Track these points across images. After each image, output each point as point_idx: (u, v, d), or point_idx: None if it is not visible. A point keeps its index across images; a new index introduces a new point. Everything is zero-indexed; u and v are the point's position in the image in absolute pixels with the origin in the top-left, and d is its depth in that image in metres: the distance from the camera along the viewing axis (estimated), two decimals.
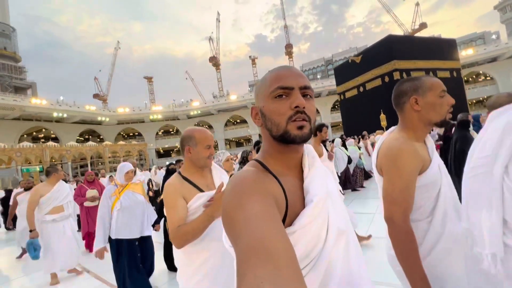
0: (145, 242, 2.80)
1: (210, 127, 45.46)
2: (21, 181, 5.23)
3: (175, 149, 48.48)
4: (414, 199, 1.00)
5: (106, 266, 3.95)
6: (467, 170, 1.00)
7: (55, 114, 33.18)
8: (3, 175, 22.60)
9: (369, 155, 8.30)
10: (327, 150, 3.48)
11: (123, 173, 2.75)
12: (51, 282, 3.53)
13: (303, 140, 0.63)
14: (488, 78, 37.40)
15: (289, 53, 55.55)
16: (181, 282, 1.38)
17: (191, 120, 45.50)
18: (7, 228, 7.95)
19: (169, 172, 4.82)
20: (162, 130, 47.38)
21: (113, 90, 53.64)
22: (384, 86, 15.56)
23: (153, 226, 3.02)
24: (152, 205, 3.38)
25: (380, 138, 1.19)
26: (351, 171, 6.95)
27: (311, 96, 0.66)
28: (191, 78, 56.44)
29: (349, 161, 6.74)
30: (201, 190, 1.39)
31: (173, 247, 1.34)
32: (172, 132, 48.20)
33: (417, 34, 45.53)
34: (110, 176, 6.15)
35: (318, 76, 63.38)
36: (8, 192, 7.86)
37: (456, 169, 3.56)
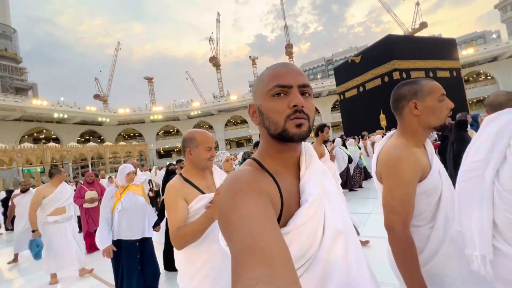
0: (146, 244, 2.81)
1: (210, 127, 45.49)
2: (21, 182, 5.19)
3: (175, 150, 48.52)
4: (414, 208, 0.99)
5: (105, 266, 4.00)
6: (460, 173, 1.00)
7: (55, 115, 33.27)
8: (4, 176, 22.67)
9: (368, 155, 8.32)
10: (328, 151, 3.51)
11: (124, 175, 2.76)
12: (50, 281, 3.57)
13: (302, 138, 0.62)
14: (488, 77, 37.33)
15: (289, 53, 55.55)
16: (182, 284, 1.39)
17: (191, 121, 45.55)
18: (7, 229, 7.98)
19: (169, 173, 4.84)
20: (163, 131, 47.44)
21: (113, 91, 53.80)
22: (384, 86, 15.56)
23: (154, 227, 3.04)
24: (152, 206, 3.40)
25: (380, 143, 1.19)
26: (352, 171, 6.96)
27: (309, 94, 0.65)
28: (191, 78, 56.50)
29: (350, 160, 6.73)
30: (202, 192, 1.40)
31: (174, 249, 1.35)
32: (172, 133, 48.25)
33: (418, 34, 45.48)
34: (109, 177, 6.17)
35: (318, 76, 63.36)
36: (9, 193, 7.90)
37: (452, 170, 3.58)
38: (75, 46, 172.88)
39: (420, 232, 1.03)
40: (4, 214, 8.01)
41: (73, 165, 30.76)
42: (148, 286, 2.73)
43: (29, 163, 25.99)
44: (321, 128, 3.31)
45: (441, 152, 4.68)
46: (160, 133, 47.12)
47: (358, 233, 3.20)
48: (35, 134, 36.24)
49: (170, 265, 3.44)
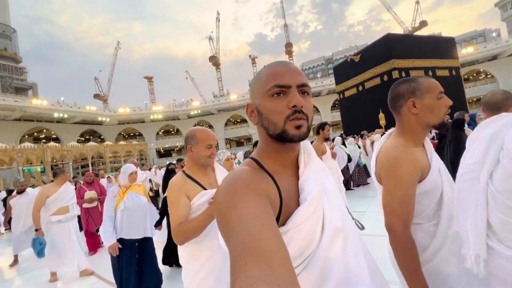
0: (146, 244, 2.84)
1: (210, 126, 45.48)
2: (18, 183, 5.17)
3: (175, 149, 48.56)
4: (414, 208, 0.99)
5: (104, 265, 4.04)
6: (458, 175, 1.02)
7: (56, 115, 33.28)
8: (5, 175, 22.71)
9: (367, 154, 8.35)
10: (329, 149, 3.54)
11: (127, 174, 2.79)
12: (50, 279, 3.62)
13: (301, 139, 0.62)
14: (488, 76, 37.29)
15: (289, 52, 55.48)
16: (187, 279, 1.42)
17: (191, 120, 45.54)
18: (6, 229, 7.99)
19: (169, 172, 4.87)
20: (163, 130, 47.45)
21: (113, 90, 53.78)
22: (383, 85, 15.54)
23: (156, 226, 3.06)
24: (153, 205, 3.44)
25: (379, 142, 1.18)
26: (351, 170, 6.97)
27: (308, 93, 0.64)
28: (191, 77, 56.45)
29: (349, 159, 6.74)
30: (204, 188, 1.43)
31: (178, 245, 1.37)
32: (172, 132, 48.26)
33: (418, 32, 45.43)
34: (108, 177, 6.19)
35: (318, 75, 63.26)
36: (10, 193, 7.93)
37: (450, 169, 3.61)
38: (75, 46, 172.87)
39: (424, 229, 1.03)
40: (5, 213, 8.05)
41: (73, 165, 30.80)
42: None
43: (30, 163, 26.03)
44: (322, 126, 3.34)
45: (439, 151, 4.71)
46: (160, 133, 47.13)
47: (363, 227, 3.19)
48: (35, 133, 36.27)
49: (168, 260, 3.48)
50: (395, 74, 14.91)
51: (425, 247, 1.01)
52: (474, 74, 39.18)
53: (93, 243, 4.74)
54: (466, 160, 0.98)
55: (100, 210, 4.83)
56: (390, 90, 1.14)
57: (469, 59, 35.14)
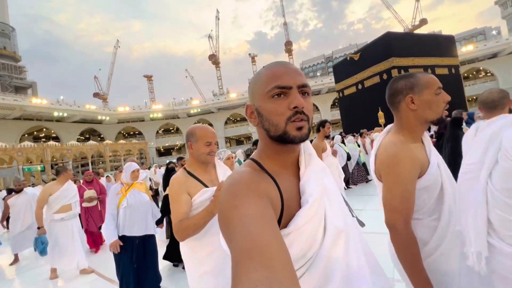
0: (149, 241, 2.87)
1: (210, 125, 45.19)
2: (16, 183, 5.13)
3: (175, 148, 48.57)
4: (414, 204, 1.00)
5: (105, 263, 4.07)
6: (459, 175, 1.03)
7: (55, 114, 33.25)
8: (5, 174, 22.74)
9: (367, 153, 8.36)
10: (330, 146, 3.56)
11: (129, 172, 2.84)
12: (51, 276, 3.66)
13: (302, 140, 0.62)
14: (488, 74, 37.26)
15: (288, 50, 55.37)
16: (189, 275, 1.46)
17: (191, 119, 45.51)
18: (4, 226, 8.02)
19: (169, 171, 4.90)
20: (163, 129, 47.44)
21: (113, 89, 53.70)
22: (383, 83, 15.52)
23: (157, 224, 3.09)
24: None
25: (377, 139, 1.18)
26: (351, 168, 6.98)
27: (308, 94, 0.64)
28: (190, 76, 56.35)
29: (348, 158, 6.74)
30: (205, 185, 1.44)
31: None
32: (172, 131, 48.25)
33: (418, 30, 45.30)
34: (107, 176, 6.20)
35: (318, 74, 63.19)
36: (10, 192, 7.94)
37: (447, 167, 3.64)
38: (74, 45, 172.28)
39: (424, 224, 1.03)
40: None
41: (73, 164, 30.82)
42: None
43: (30, 162, 26.06)
44: (323, 123, 3.36)
45: (437, 149, 4.73)
46: (160, 131, 47.11)
47: (363, 224, 3.21)
48: (35, 132, 36.27)
49: (170, 256, 3.52)
50: (395, 73, 14.89)
51: (425, 242, 1.01)
52: (474, 72, 39.15)
53: (94, 241, 4.77)
54: (466, 160, 0.99)
55: (100, 209, 4.86)
56: (388, 86, 1.13)
57: (469, 57, 35.11)
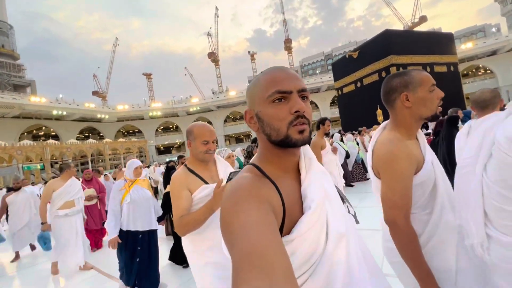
0: (151, 236, 2.93)
1: (209, 123, 44.92)
2: (18, 180, 5.18)
3: (175, 146, 48.60)
4: (412, 200, 1.02)
5: (105, 260, 4.13)
6: (456, 170, 1.06)
7: (54, 112, 33.23)
8: (5, 173, 22.78)
9: (366, 151, 8.37)
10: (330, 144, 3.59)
11: (133, 169, 2.89)
12: (52, 270, 3.71)
13: (304, 144, 0.62)
14: (487, 71, 37.24)
15: (288, 48, 55.25)
16: (193, 269, 1.50)
17: (190, 117, 45.50)
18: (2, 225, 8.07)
19: (169, 169, 4.94)
20: (162, 127, 47.46)
21: (112, 87, 53.65)
22: (381, 81, 15.07)
23: (158, 221, 3.14)
24: None
25: (373, 136, 1.20)
26: (350, 167, 6.99)
27: (307, 98, 0.65)
28: (190, 74, 56.24)
29: (347, 155, 6.74)
30: (205, 182, 1.47)
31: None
32: (171, 129, 48.25)
33: (417, 28, 45.20)
34: (105, 175, 6.22)
35: (318, 71, 63.08)
36: (10, 190, 7.96)
37: (443, 165, 3.68)
38: (73, 42, 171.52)
39: (417, 218, 1.06)
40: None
41: (73, 162, 30.83)
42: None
43: (29, 160, 26.08)
44: (323, 121, 3.39)
45: (433, 147, 4.77)
46: (160, 130, 47.14)
47: (357, 222, 3.26)
48: (34, 131, 36.26)
49: (175, 258, 3.55)
50: (393, 70, 14.85)
51: (418, 234, 1.04)
52: (473, 70, 39.13)
53: (94, 240, 4.81)
54: (463, 155, 1.02)
55: (99, 207, 4.90)
56: (383, 84, 1.15)
57: (468, 55, 35.09)
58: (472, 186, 0.92)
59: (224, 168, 1.61)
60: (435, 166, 1.07)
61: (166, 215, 3.55)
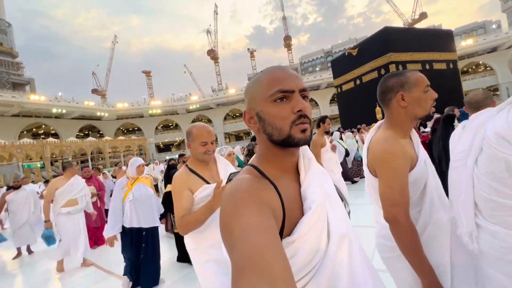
0: (152, 233, 2.99)
1: (209, 121, 45.44)
2: (18, 178, 5.22)
3: (175, 144, 48.63)
4: (409, 196, 1.05)
5: (105, 257, 4.18)
6: (450, 163, 1.10)
7: (54, 110, 33.18)
8: (5, 171, 22.82)
9: None
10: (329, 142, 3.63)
11: (135, 167, 2.94)
12: (57, 268, 3.75)
13: (306, 143, 0.62)
14: (487, 68, 37.16)
15: (287, 45, 55.04)
16: (194, 263, 1.54)
17: (190, 115, 45.47)
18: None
19: (170, 167, 4.99)
20: (162, 125, 47.41)
21: (111, 85, 53.45)
22: (380, 79, 15.39)
23: (160, 219, 3.19)
24: None
25: (368, 135, 1.23)
26: (350, 164, 7.04)
27: (307, 97, 0.66)
28: (189, 71, 56.08)
29: (347, 153, 6.78)
30: (206, 182, 1.51)
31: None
32: (171, 127, 48.22)
33: (417, 24, 45.02)
34: (103, 174, 6.25)
35: (317, 68, 62.91)
36: (10, 189, 8.01)
37: (435, 164, 3.73)
38: (72, 40, 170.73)
39: None
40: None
41: (73, 160, 30.85)
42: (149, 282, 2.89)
43: (29, 159, 26.11)
44: (323, 119, 3.44)
45: (430, 145, 4.81)
46: (159, 127, 47.11)
47: (343, 199, 3.35)
48: (34, 129, 36.26)
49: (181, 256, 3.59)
50: (392, 68, 14.85)
51: None
52: (474, 67, 39.04)
53: (94, 237, 4.86)
54: (456, 149, 1.06)
55: (99, 205, 4.95)
56: (379, 84, 1.18)
57: (468, 51, 34.98)
58: (463, 179, 0.95)
59: (224, 167, 1.64)
60: (428, 165, 1.11)
61: (167, 213, 3.59)
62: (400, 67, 14.85)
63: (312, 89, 41.40)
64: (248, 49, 59.06)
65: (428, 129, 6.21)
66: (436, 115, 5.73)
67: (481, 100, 2.42)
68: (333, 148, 3.62)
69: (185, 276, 3.10)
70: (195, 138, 1.52)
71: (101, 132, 41.77)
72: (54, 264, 3.86)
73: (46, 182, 8.32)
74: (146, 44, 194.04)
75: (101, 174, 6.17)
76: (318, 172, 0.70)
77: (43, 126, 36.01)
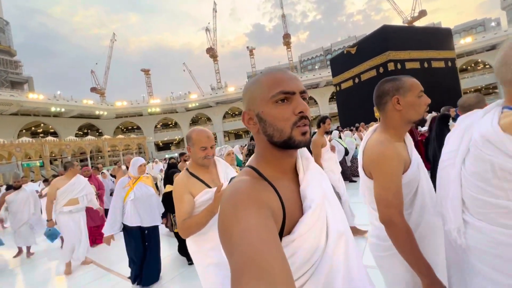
0: (154, 232, 3.03)
1: (208, 119, 45.40)
2: (18, 178, 5.24)
3: (174, 142, 48.58)
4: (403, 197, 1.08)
5: (104, 255, 4.22)
6: (439, 163, 1.13)
7: (53, 109, 33.08)
8: (4, 170, 22.81)
9: None
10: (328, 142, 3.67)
11: (137, 167, 2.97)
12: (66, 270, 3.75)
13: (306, 145, 0.63)
14: (487, 66, 37.13)
15: (287, 43, 54.85)
16: (197, 265, 1.57)
17: (189, 113, 45.39)
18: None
19: (170, 166, 5.00)
20: (161, 123, 47.30)
21: (110, 83, 53.18)
22: (379, 77, 15.46)
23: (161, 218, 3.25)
24: None
25: (364, 137, 1.27)
26: (349, 162, 7.08)
27: (306, 99, 0.66)
28: (188, 70, 55.89)
29: (346, 152, 6.78)
30: (207, 185, 1.53)
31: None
32: (170, 125, 48.12)
33: (417, 22, 44.84)
34: (102, 173, 6.26)
35: (317, 67, 62.82)
36: (10, 188, 8.02)
37: (430, 163, 3.78)
38: (70, 38, 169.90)
39: None
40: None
41: (72, 159, 30.84)
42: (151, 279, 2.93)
43: (28, 158, 26.09)
44: (323, 119, 3.48)
45: (427, 143, 4.85)
46: (158, 126, 47.00)
47: (340, 198, 3.38)
48: (32, 128, 36.16)
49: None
50: (391, 66, 14.89)
51: None
52: (472, 65, 39.01)
53: (92, 237, 4.90)
54: (445, 149, 1.09)
55: (99, 204, 4.98)
56: (375, 88, 1.23)
57: (467, 49, 34.92)
58: (451, 177, 0.99)
59: (224, 170, 1.66)
60: (420, 168, 1.16)
61: (167, 213, 3.63)
62: (399, 66, 14.87)
63: (311, 87, 41.32)
64: (248, 47, 58.88)
65: (424, 128, 6.28)
66: (433, 114, 5.78)
67: (474, 104, 2.45)
68: (333, 149, 3.66)
69: (182, 273, 3.18)
70: (194, 142, 1.53)
71: (100, 131, 41.67)
72: (54, 263, 3.91)
73: (46, 181, 8.32)
74: (145, 42, 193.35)
75: (100, 173, 6.18)
76: (316, 172, 0.71)
77: (42, 124, 35.91)
